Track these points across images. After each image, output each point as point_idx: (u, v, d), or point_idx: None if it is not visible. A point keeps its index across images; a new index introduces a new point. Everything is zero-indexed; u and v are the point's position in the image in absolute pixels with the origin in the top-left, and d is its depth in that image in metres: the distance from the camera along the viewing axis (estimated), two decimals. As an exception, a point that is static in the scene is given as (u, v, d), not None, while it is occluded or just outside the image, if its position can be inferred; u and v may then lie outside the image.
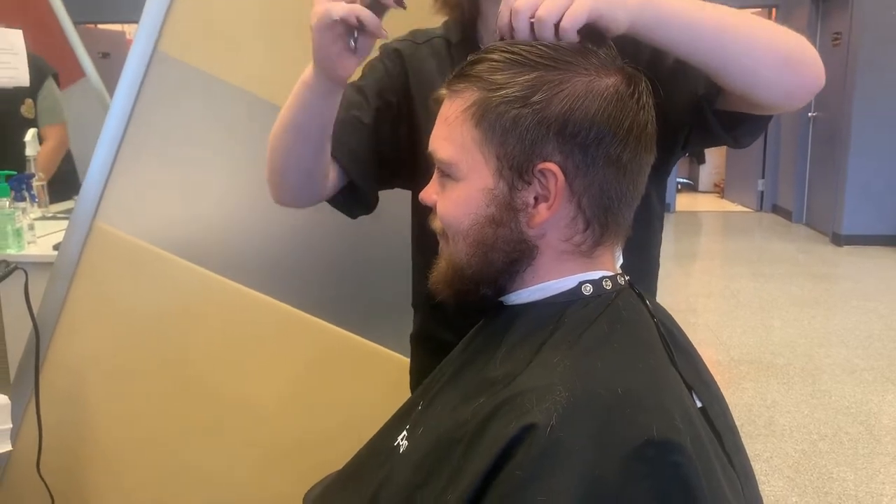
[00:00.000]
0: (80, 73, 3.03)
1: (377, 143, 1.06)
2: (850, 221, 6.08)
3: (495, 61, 0.72)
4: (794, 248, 6.16)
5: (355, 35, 0.83)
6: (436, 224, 0.80)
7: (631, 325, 0.72)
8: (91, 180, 1.60)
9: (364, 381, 1.66)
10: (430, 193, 0.80)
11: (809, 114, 6.90)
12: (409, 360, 1.23)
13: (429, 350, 1.15)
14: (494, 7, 1.02)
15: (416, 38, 1.11)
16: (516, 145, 0.69)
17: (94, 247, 1.62)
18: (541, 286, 0.75)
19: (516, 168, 0.70)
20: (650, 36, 0.77)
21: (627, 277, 0.79)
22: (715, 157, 9.01)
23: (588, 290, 0.74)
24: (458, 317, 1.04)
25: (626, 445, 0.60)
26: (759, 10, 7.79)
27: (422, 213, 1.13)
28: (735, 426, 0.78)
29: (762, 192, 7.96)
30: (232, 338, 1.67)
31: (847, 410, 3.03)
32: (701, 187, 9.60)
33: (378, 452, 0.86)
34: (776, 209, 7.79)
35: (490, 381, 0.71)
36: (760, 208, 7.99)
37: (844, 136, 6.09)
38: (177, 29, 1.54)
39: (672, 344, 0.75)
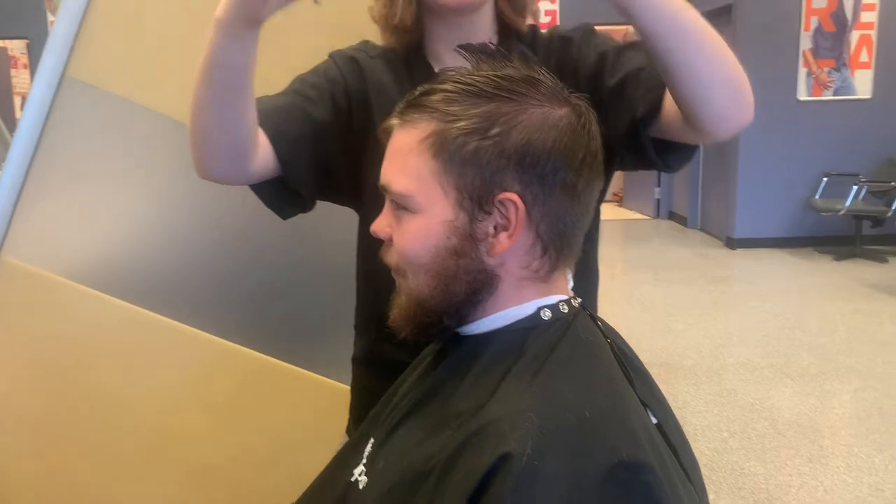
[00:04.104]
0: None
1: (320, 144, 1.02)
2: (741, 226, 6.42)
3: (449, 92, 0.72)
4: (692, 253, 6.45)
5: None
6: (391, 258, 0.79)
7: (590, 347, 0.74)
8: (-6, 212, 1.51)
9: (293, 408, 1.62)
10: (382, 226, 0.80)
11: (700, 124, 7.26)
12: (337, 384, 1.21)
13: (375, 372, 1.14)
14: (440, 27, 1.04)
15: (369, 51, 1.09)
16: (476, 177, 0.70)
17: (1, 282, 1.53)
18: (500, 314, 0.75)
19: (476, 199, 0.71)
20: (637, 15, 0.80)
21: (579, 300, 0.81)
22: (613, 166, 9.34)
23: (547, 315, 0.75)
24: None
25: (599, 469, 0.61)
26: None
27: (369, 236, 1.12)
28: (687, 440, 0.81)
29: (658, 200, 8.30)
30: (150, 369, 1.60)
31: (752, 407, 3.19)
32: (601, 196, 9.92)
33: (330, 489, 0.84)
34: (672, 216, 8.14)
35: (456, 412, 0.70)
36: (657, 215, 8.32)
37: (733, 145, 6.43)
38: (88, 52, 1.48)
39: (626, 363, 0.77)
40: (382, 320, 1.10)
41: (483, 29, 1.05)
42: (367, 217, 1.11)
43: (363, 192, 1.08)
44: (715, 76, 0.85)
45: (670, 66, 0.84)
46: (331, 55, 1.09)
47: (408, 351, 0.98)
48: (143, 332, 1.57)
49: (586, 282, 1.05)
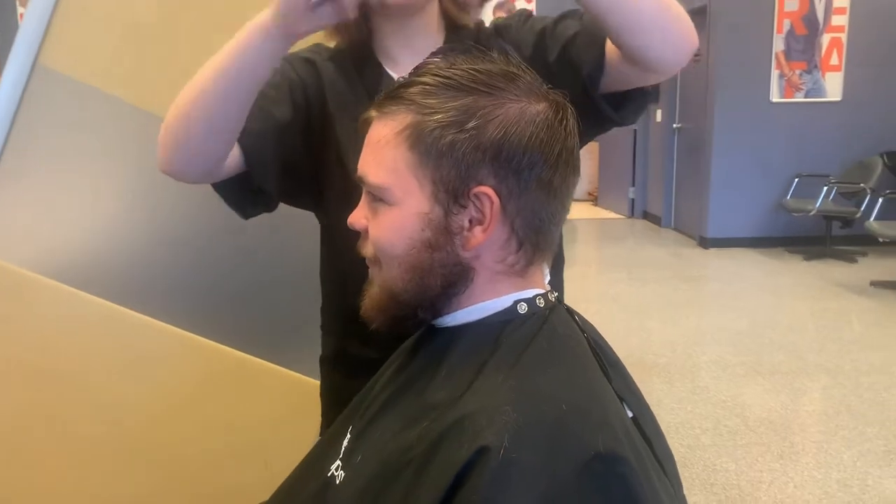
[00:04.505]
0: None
1: (283, 141, 1.03)
2: (714, 225, 6.49)
3: (428, 85, 0.72)
4: (666, 252, 6.51)
5: None
6: (367, 250, 0.79)
7: (566, 340, 0.74)
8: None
9: (269, 404, 1.61)
10: (359, 218, 0.79)
11: (674, 125, 7.33)
12: (313, 381, 1.21)
13: (344, 371, 1.13)
14: (387, 25, 1.04)
15: (321, 53, 1.10)
16: (452, 169, 0.70)
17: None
18: (477, 307, 0.75)
19: (452, 192, 0.71)
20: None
21: (556, 294, 0.81)
22: (588, 166, 9.39)
23: (523, 308, 0.75)
24: (377, 333, 1.03)
25: (576, 461, 0.62)
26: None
27: (332, 237, 1.12)
28: (662, 432, 0.81)
29: (633, 200, 8.36)
30: (125, 366, 1.58)
31: (724, 404, 3.23)
32: (575, 195, 9.94)
33: (307, 484, 0.84)
34: (646, 215, 8.21)
35: (432, 404, 0.71)
36: (632, 215, 8.38)
37: (707, 145, 6.51)
38: (60, 41, 1.45)
39: (603, 357, 0.78)
40: (349, 318, 1.10)
41: (430, 26, 1.06)
42: (328, 216, 1.11)
43: (324, 191, 1.08)
44: (657, 24, 0.88)
45: (616, 30, 0.88)
46: (285, 58, 1.08)
47: (376, 347, 0.98)
48: (118, 328, 1.55)
49: (553, 264, 1.06)
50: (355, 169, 1.02)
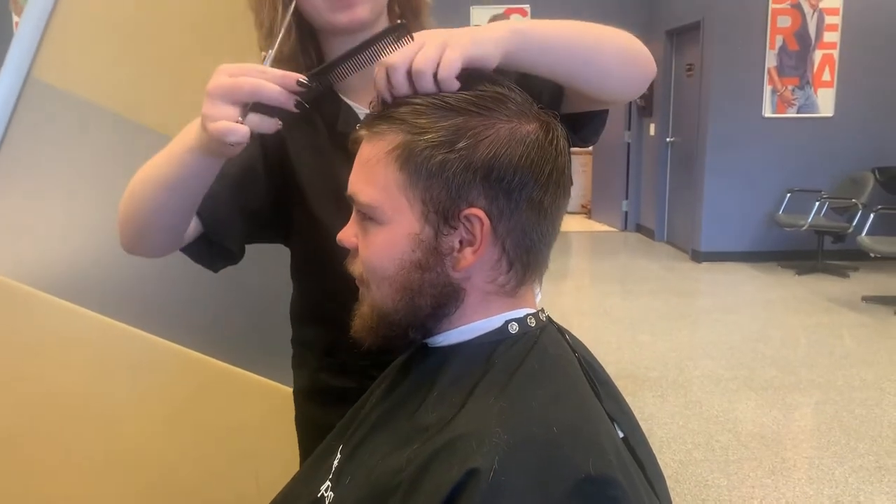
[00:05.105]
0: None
1: (242, 194, 1.01)
2: (707, 239, 6.51)
3: (418, 104, 0.72)
4: (659, 266, 6.52)
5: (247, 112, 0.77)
6: (355, 269, 0.78)
7: (557, 360, 0.74)
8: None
9: (252, 414, 1.60)
10: (349, 236, 0.79)
11: (668, 139, 7.36)
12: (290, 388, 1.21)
13: (320, 401, 1.13)
14: (341, 46, 1.01)
15: None
16: (442, 190, 0.70)
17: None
18: (468, 327, 0.75)
19: (442, 213, 0.70)
20: (520, 63, 0.80)
21: (547, 314, 0.81)
22: (581, 179, 9.42)
23: (514, 328, 0.75)
24: (353, 362, 1.02)
25: (566, 483, 0.61)
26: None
27: (301, 273, 1.12)
28: (653, 452, 0.81)
29: (626, 213, 8.38)
30: (111, 377, 1.57)
31: (716, 419, 3.23)
32: (569, 208, 9.95)
33: (297, 502, 0.83)
34: (640, 228, 8.22)
35: (423, 426, 0.70)
36: (625, 228, 8.40)
37: (700, 159, 6.53)
38: (54, 54, 1.45)
39: (594, 377, 0.78)
40: (323, 350, 1.09)
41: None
42: (295, 249, 1.11)
43: (290, 226, 1.08)
44: (612, 65, 0.87)
45: (569, 80, 0.86)
46: None
47: (352, 377, 0.98)
48: (105, 339, 1.54)
49: None
50: (317, 203, 1.02)
